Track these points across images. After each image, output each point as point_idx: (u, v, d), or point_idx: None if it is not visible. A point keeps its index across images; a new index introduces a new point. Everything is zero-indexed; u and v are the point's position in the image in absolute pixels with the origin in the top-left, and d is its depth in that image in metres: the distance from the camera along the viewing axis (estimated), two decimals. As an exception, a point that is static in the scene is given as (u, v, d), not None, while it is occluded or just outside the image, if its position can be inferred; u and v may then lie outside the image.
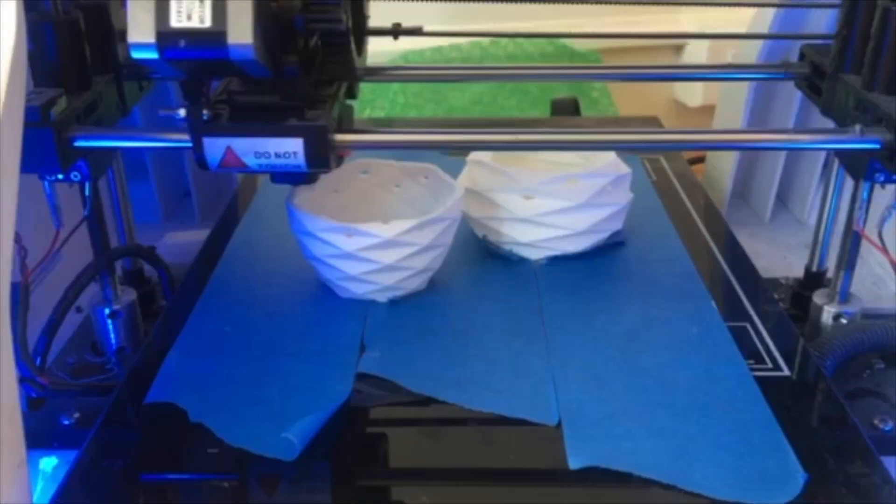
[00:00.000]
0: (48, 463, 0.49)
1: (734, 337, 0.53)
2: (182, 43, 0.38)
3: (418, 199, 0.63)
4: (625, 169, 0.63)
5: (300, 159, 0.45)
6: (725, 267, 0.63)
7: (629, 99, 1.20)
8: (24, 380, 0.49)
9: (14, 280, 0.38)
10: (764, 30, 0.71)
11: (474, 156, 0.65)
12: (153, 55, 0.38)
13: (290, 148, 0.45)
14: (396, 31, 0.55)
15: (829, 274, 0.61)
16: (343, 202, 0.62)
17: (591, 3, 0.57)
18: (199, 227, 0.78)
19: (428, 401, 0.49)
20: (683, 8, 1.18)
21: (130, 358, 0.56)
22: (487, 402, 0.48)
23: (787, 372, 0.51)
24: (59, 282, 0.54)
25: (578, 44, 1.20)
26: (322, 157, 0.45)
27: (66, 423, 0.51)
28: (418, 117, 1.09)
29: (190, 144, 0.45)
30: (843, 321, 0.57)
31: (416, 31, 0.55)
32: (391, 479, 0.45)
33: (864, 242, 0.54)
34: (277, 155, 0.45)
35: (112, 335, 0.56)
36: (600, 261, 0.63)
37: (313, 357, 0.52)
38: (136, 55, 0.38)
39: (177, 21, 0.38)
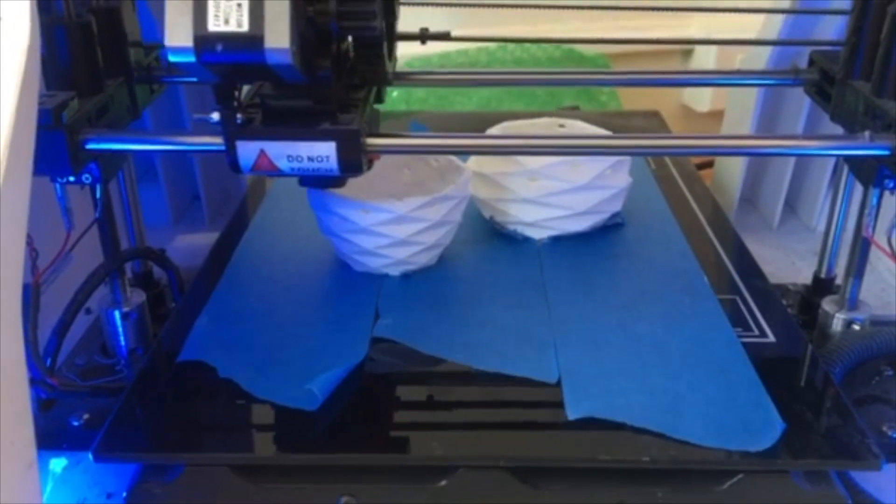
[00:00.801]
0: (58, 464, 0.49)
1: (724, 309, 0.57)
2: (219, 47, 0.38)
3: (427, 180, 0.66)
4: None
5: (332, 163, 0.45)
6: (722, 253, 0.65)
7: (637, 103, 1.20)
8: (35, 381, 0.49)
9: (25, 281, 0.38)
10: (773, 35, 0.71)
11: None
12: (190, 59, 0.39)
13: (323, 152, 0.45)
14: (424, 36, 0.55)
15: (838, 280, 0.61)
16: (356, 182, 0.63)
17: (599, 8, 0.57)
18: (208, 230, 0.78)
19: (438, 362, 0.52)
20: (693, 13, 1.18)
21: (140, 359, 0.56)
22: (493, 363, 0.51)
23: (772, 338, 0.54)
24: (70, 283, 0.54)
25: (586, 48, 1.20)
26: (355, 161, 0.45)
27: (76, 424, 0.51)
28: (436, 111, 1.10)
29: (200, 148, 0.46)
30: (854, 328, 0.57)
31: (443, 37, 0.55)
32: (403, 430, 0.48)
33: (873, 249, 0.54)
34: (310, 158, 0.45)
35: (122, 337, 0.56)
36: (600, 240, 0.67)
37: (331, 324, 0.56)
38: (172, 59, 0.39)
39: (214, 25, 0.38)
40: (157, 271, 0.64)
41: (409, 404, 0.50)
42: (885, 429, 0.50)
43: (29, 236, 0.39)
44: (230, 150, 0.45)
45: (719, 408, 0.47)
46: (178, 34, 0.38)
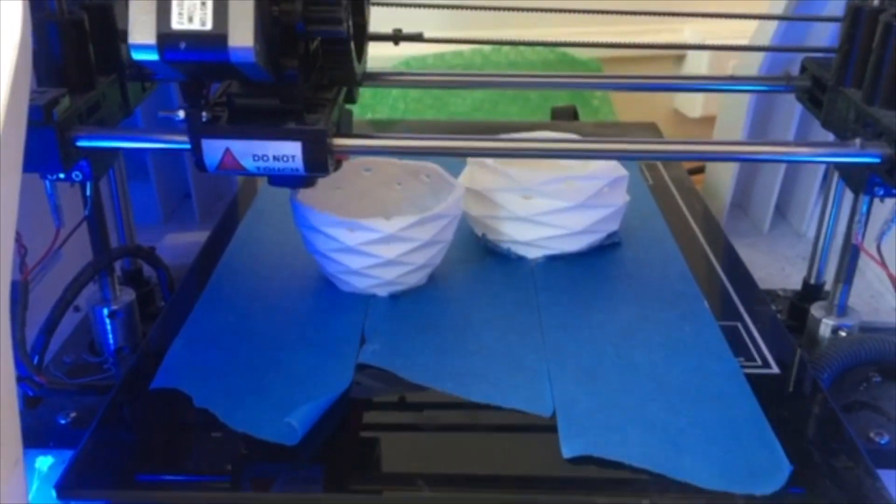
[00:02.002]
0: (44, 462, 0.49)
1: (726, 336, 0.54)
2: (183, 45, 0.38)
3: (419, 196, 0.64)
4: (622, 171, 0.64)
5: (298, 163, 0.45)
6: (723, 276, 0.63)
7: (630, 108, 1.20)
8: (22, 378, 0.49)
9: (13, 278, 0.38)
10: (766, 42, 0.71)
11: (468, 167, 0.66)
12: (153, 56, 0.38)
13: (289, 151, 0.45)
14: (397, 37, 0.55)
15: (828, 286, 0.61)
16: (345, 198, 0.63)
17: (592, 13, 0.57)
18: (198, 228, 0.78)
19: (426, 391, 0.50)
20: (686, 18, 1.18)
21: (128, 358, 0.56)
22: (484, 394, 0.49)
23: (776, 370, 0.52)
24: (59, 281, 0.54)
25: (580, 52, 1.20)
26: (320, 162, 0.45)
27: (63, 422, 0.50)
28: (419, 119, 1.09)
29: (188, 147, 0.45)
30: (842, 334, 0.57)
31: (416, 38, 0.55)
32: (388, 467, 0.46)
33: (862, 256, 0.54)
34: (276, 158, 0.45)
35: (110, 335, 0.56)
36: (596, 261, 0.65)
37: (315, 348, 0.53)
38: (136, 56, 0.38)
39: (178, 23, 0.38)
40: (147, 270, 0.64)
41: (395, 439, 0.48)
42: (872, 435, 0.50)
43: (18, 233, 0.39)
44: (196, 149, 0.45)
45: (722, 447, 0.45)
46: (141, 32, 0.38)
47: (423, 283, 0.61)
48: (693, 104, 1.28)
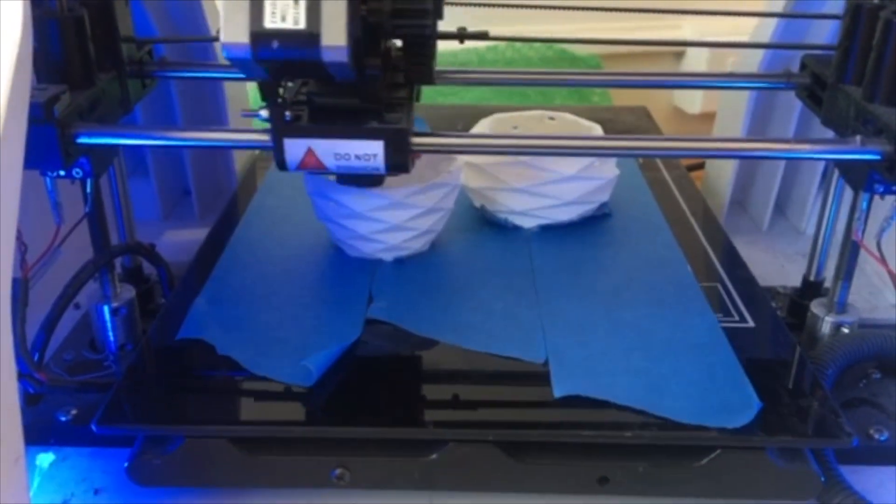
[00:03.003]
0: (45, 459, 0.49)
1: (707, 296, 0.59)
2: (275, 44, 0.38)
3: (419, 168, 0.65)
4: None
5: (379, 161, 0.45)
6: (715, 260, 0.65)
7: (629, 104, 1.20)
8: (22, 376, 0.49)
9: (14, 275, 0.38)
10: (765, 39, 0.71)
11: (475, 129, 0.71)
12: (245, 55, 0.38)
13: (371, 150, 0.45)
14: (462, 36, 0.55)
15: (827, 283, 0.61)
16: None
17: (590, 10, 0.57)
18: (198, 225, 0.78)
19: (429, 343, 0.53)
20: (685, 15, 1.18)
21: (128, 355, 0.56)
22: (482, 344, 0.53)
23: (751, 323, 0.56)
24: (59, 278, 0.54)
25: (579, 49, 1.20)
26: (402, 160, 0.46)
27: (64, 419, 0.51)
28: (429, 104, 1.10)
29: (191, 143, 0.46)
30: (843, 330, 0.57)
31: (481, 36, 0.55)
32: (395, 406, 0.49)
33: (862, 252, 0.54)
34: (357, 157, 0.45)
35: (110, 332, 0.56)
36: (588, 229, 0.69)
37: (327, 306, 0.57)
38: (227, 55, 0.39)
39: (271, 22, 0.38)
40: (147, 267, 0.64)
41: (401, 382, 0.51)
42: (871, 431, 0.50)
43: (18, 230, 0.39)
44: (278, 148, 0.45)
45: (699, 388, 0.48)
46: (233, 31, 0.38)
47: (425, 248, 0.64)
48: (692, 101, 1.28)
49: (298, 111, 0.45)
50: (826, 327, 0.57)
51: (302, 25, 0.38)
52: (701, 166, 0.92)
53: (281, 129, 0.45)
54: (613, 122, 0.95)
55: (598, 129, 0.71)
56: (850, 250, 0.55)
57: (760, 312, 0.57)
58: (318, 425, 0.48)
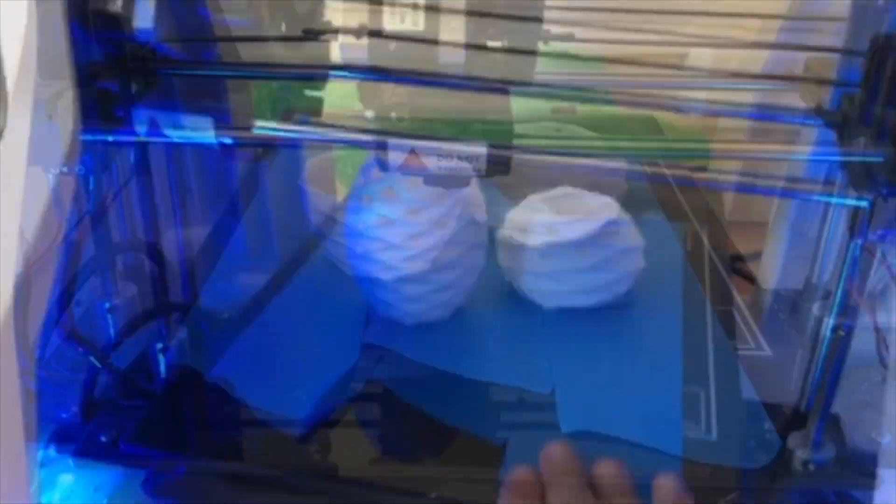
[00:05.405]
0: (45, 456, 0.49)
1: (720, 322, 0.57)
2: None
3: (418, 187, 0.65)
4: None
5: (482, 163, 0.45)
6: (728, 281, 0.64)
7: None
8: (24, 373, 0.49)
9: (16, 272, 0.38)
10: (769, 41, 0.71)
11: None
12: None
13: (476, 152, 0.45)
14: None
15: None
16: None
17: (593, 9, 0.57)
18: (199, 225, 0.77)
19: (428, 369, 0.52)
20: (687, 18, 1.18)
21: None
22: (486, 372, 0.51)
23: (768, 352, 0.55)
24: (61, 275, 0.53)
25: (581, 51, 1.19)
26: (503, 164, 0.46)
27: (64, 416, 0.50)
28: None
29: (195, 141, 0.45)
30: (842, 333, 0.57)
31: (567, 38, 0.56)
32: (391, 442, 0.48)
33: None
34: (461, 158, 0.45)
35: (111, 329, 0.56)
36: None
37: (322, 327, 0.56)
38: None
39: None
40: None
41: (398, 413, 0.50)
42: (873, 435, 0.50)
43: (20, 227, 0.39)
44: (382, 148, 0.45)
45: (715, 422, 0.47)
46: None
47: (426, 267, 0.62)
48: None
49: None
50: (827, 329, 0.57)
51: None
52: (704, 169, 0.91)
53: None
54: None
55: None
56: (853, 252, 0.54)
57: (777, 340, 0.56)
58: (310, 468, 0.46)
